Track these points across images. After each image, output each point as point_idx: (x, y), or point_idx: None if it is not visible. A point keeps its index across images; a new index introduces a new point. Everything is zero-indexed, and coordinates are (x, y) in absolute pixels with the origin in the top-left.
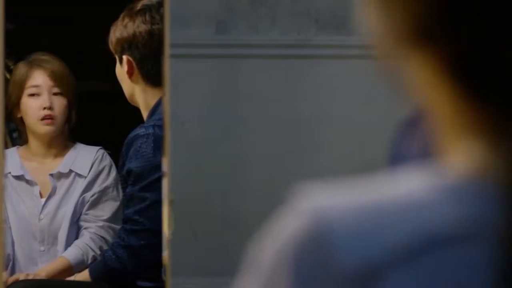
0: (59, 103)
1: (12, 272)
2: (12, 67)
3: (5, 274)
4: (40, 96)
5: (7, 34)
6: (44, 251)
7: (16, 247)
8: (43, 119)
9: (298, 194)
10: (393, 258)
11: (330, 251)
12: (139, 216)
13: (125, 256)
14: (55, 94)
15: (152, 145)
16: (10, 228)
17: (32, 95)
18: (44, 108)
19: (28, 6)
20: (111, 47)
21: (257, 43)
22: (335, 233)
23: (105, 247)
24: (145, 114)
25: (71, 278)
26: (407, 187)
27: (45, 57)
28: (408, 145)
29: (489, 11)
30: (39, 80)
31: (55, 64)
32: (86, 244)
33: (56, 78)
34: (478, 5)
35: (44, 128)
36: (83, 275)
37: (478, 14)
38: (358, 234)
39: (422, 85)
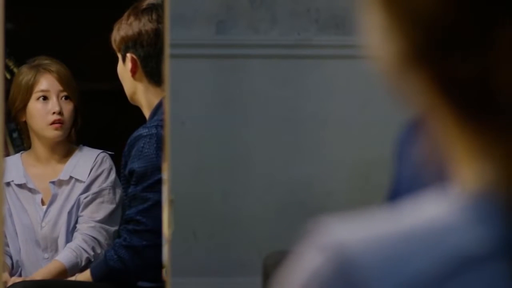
0: (68, 107)
1: None
2: (12, 67)
3: (5, 275)
4: (49, 100)
5: (7, 34)
6: (48, 258)
7: (22, 254)
8: (52, 123)
9: (317, 228)
10: (425, 284)
11: (360, 283)
12: (142, 216)
13: (127, 256)
14: (63, 98)
15: (155, 145)
16: (16, 235)
17: (40, 99)
18: (54, 113)
19: (28, 6)
20: (114, 45)
21: (257, 43)
22: (362, 265)
23: (97, 247)
24: (147, 113)
25: (72, 278)
26: (425, 213)
27: (49, 61)
28: (411, 149)
29: (468, 39)
30: (48, 84)
31: (61, 67)
32: (79, 246)
33: (64, 82)
34: (456, 33)
35: (53, 133)
36: (85, 275)
37: (457, 41)
38: (386, 264)
39: (423, 103)
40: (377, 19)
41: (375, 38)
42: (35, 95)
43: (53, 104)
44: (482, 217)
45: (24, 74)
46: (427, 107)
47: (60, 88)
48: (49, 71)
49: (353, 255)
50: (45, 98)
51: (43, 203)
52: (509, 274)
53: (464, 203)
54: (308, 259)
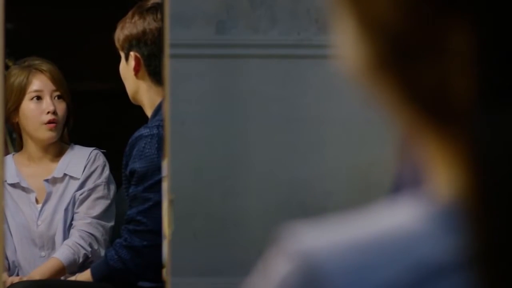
0: (61, 107)
1: None
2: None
3: (5, 275)
4: (43, 100)
5: (7, 34)
6: (44, 256)
7: (18, 254)
8: (47, 123)
9: (285, 234)
10: None
11: None
12: (142, 216)
13: (128, 256)
14: (56, 98)
15: (156, 145)
16: (11, 235)
17: (33, 99)
18: (48, 113)
19: (28, 6)
20: (117, 44)
21: (257, 43)
22: (329, 274)
23: (94, 243)
24: (149, 113)
25: (73, 278)
26: (395, 219)
27: (39, 61)
28: (405, 163)
29: (426, 46)
30: (41, 84)
31: (52, 67)
32: (76, 243)
33: (56, 81)
34: (413, 40)
35: (47, 133)
36: (85, 275)
37: (419, 49)
38: (354, 271)
39: (393, 110)
40: (346, 25)
41: (345, 43)
42: (28, 96)
43: (47, 104)
44: (450, 226)
45: (16, 75)
46: (396, 114)
47: (53, 87)
48: (42, 71)
49: (321, 263)
50: (38, 98)
51: (37, 201)
52: (475, 284)
53: (434, 211)
54: (276, 267)
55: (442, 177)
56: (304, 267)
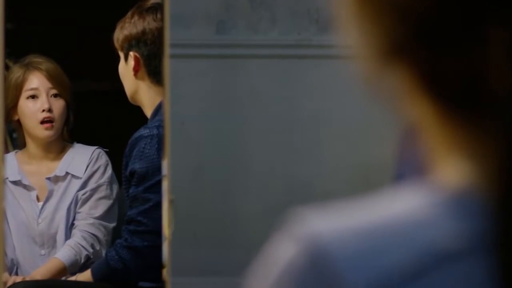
0: (58, 105)
1: None
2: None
3: (5, 275)
4: (39, 98)
5: (7, 34)
6: (44, 255)
7: (17, 252)
8: (42, 122)
9: (292, 219)
10: (399, 276)
11: (333, 275)
12: (143, 217)
13: (128, 256)
14: (53, 96)
15: (156, 146)
16: (10, 233)
17: (30, 97)
18: (43, 111)
19: (28, 6)
20: (117, 44)
21: (257, 43)
22: (335, 257)
23: (96, 244)
24: (148, 113)
25: (73, 278)
26: (403, 205)
27: (39, 59)
28: (408, 153)
29: (450, 35)
30: (37, 82)
31: (51, 65)
32: (78, 243)
33: (53, 79)
34: (442, 28)
35: (44, 132)
36: (85, 275)
37: (443, 36)
38: (360, 255)
39: (405, 99)
40: (354, 14)
41: (352, 34)
42: (24, 94)
43: (42, 102)
44: (459, 212)
45: (14, 73)
46: (407, 103)
47: (50, 85)
48: (39, 69)
49: (327, 247)
50: (34, 96)
51: (38, 199)
52: (484, 270)
53: (442, 197)
54: (282, 251)
55: (451, 164)
56: (311, 250)
